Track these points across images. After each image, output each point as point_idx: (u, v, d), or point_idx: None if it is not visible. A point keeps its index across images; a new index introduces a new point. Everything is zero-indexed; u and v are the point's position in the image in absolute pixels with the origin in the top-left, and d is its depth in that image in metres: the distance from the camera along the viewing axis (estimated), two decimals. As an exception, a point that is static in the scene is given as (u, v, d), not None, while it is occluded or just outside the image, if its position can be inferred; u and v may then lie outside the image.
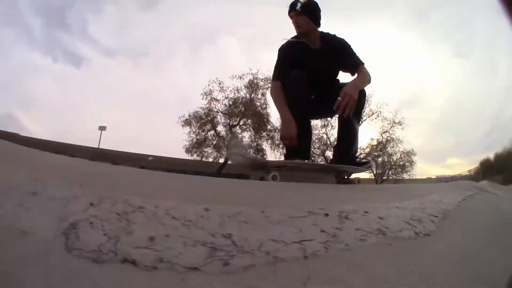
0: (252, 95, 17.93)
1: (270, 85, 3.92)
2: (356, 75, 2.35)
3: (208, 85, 17.78)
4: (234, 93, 18.02)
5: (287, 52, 2.43)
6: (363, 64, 2.44)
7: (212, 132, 17.55)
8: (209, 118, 17.46)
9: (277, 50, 2.50)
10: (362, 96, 2.27)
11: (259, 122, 17.90)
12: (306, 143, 2.47)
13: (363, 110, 3.10)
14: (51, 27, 54.43)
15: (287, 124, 2.27)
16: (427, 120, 39.74)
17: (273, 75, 2.52)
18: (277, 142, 16.83)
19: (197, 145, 17.28)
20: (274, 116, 17.06)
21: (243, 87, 18.06)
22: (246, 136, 17.56)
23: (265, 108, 18.17)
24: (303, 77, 2.29)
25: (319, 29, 2.43)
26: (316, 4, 2.45)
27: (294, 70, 2.31)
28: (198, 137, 17.32)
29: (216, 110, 17.75)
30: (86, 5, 41.20)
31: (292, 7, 2.37)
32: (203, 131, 17.55)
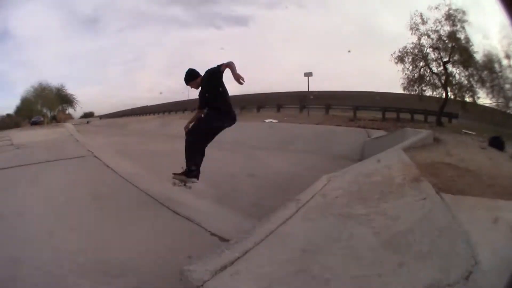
0: (453, 28, 15.34)
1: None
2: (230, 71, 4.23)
3: (412, 19, 16.79)
4: (436, 26, 16.18)
5: None
6: (219, 65, 4.48)
7: (425, 68, 16.63)
8: (421, 55, 16.53)
9: None
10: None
11: (466, 56, 15.32)
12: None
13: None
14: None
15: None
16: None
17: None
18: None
19: (412, 82, 16.89)
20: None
21: (442, 19, 15.80)
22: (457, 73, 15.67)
23: (468, 41, 15.19)
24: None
25: None
26: (192, 70, 4.93)
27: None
28: (413, 73, 16.73)
29: (426, 45, 16.35)
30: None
31: (186, 82, 4.87)
32: (416, 67, 16.71)
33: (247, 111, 23.31)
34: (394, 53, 15.70)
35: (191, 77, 5.01)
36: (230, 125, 5.12)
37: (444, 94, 15.13)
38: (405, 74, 15.82)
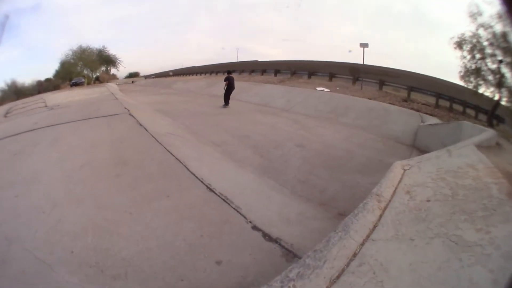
0: (505, 29, 12.75)
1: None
2: None
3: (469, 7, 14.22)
4: (491, 22, 13.52)
5: None
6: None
7: (482, 62, 14.15)
8: (479, 46, 14.07)
9: None
10: None
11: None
12: None
13: None
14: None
15: None
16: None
17: None
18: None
19: (469, 73, 14.64)
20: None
21: (496, 16, 13.16)
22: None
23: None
24: None
25: None
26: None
27: None
28: (470, 63, 14.56)
29: (483, 38, 13.90)
30: None
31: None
32: (473, 58, 14.40)
33: (297, 76, 22.30)
34: (453, 37, 14.16)
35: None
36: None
37: (497, 95, 13.45)
38: (463, 62, 14.43)
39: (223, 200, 3.38)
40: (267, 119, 9.76)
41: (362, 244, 2.27)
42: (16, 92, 33.41)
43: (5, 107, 20.57)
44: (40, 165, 4.65)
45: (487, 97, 13.40)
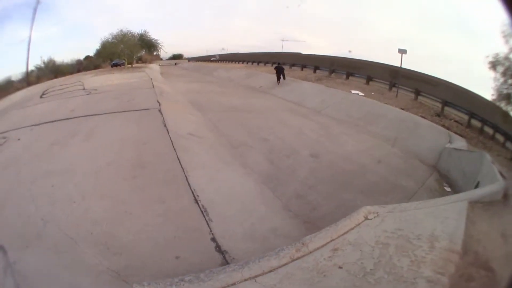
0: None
1: None
2: None
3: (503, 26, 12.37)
4: None
5: None
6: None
7: None
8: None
9: None
10: None
11: None
12: None
13: None
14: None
15: None
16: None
17: None
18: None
19: (501, 98, 12.68)
20: None
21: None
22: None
23: None
24: None
25: None
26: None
27: None
28: (502, 88, 12.60)
29: None
30: None
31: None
32: (505, 82, 12.45)
33: (336, 75, 22.10)
34: (488, 56, 12.59)
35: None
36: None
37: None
38: (496, 85, 13.10)
39: (201, 211, 4.12)
40: (294, 121, 10.10)
41: (246, 279, 2.67)
42: (54, 70, 35.00)
43: (43, 86, 21.89)
44: (75, 158, 5.65)
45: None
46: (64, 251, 3.41)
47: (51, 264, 3.26)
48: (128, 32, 35.90)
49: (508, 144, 12.20)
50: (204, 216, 4.01)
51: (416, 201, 4.37)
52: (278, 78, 17.91)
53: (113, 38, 33.66)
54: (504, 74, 12.88)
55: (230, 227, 3.88)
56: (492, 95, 12.73)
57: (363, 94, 15.29)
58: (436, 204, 4.07)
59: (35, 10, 28.72)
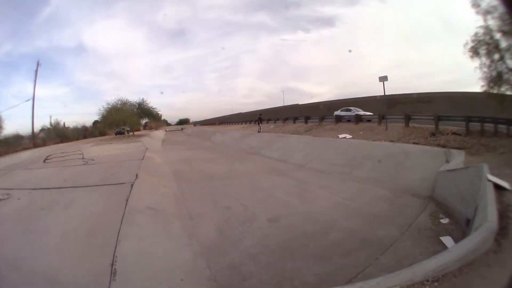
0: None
1: None
2: None
3: None
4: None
5: None
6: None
7: (501, 63, 11.52)
8: (493, 44, 11.39)
9: None
10: None
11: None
12: None
13: None
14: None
15: None
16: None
17: None
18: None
19: (492, 83, 11.76)
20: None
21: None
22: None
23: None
24: None
25: None
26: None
27: None
28: (490, 71, 11.79)
29: (494, 28, 11.30)
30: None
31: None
32: (492, 62, 11.67)
33: (326, 122, 22.19)
34: (467, 43, 12.44)
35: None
36: None
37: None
38: (483, 71, 12.49)
39: (111, 272, 4.48)
40: (270, 183, 10.23)
41: None
42: (60, 135, 37.77)
43: (47, 150, 23.59)
44: (52, 222, 6.60)
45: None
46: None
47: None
48: (127, 101, 38.72)
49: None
50: (111, 276, 4.43)
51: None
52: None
53: (112, 107, 36.29)
54: (488, 53, 12.37)
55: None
56: (482, 86, 12.30)
57: (350, 136, 15.13)
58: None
59: (36, 72, 32.23)
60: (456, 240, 4.66)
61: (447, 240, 5.01)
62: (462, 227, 5.26)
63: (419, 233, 5.48)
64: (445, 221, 5.89)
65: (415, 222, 5.98)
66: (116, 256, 4.93)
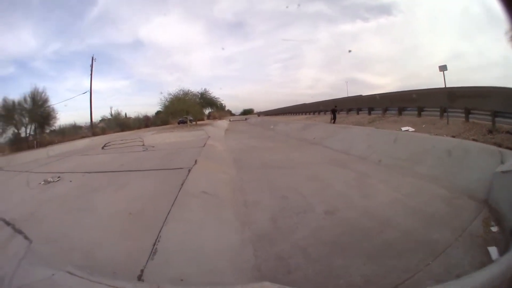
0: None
1: None
2: None
3: None
4: None
5: None
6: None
7: None
8: None
9: None
10: None
11: None
12: None
13: None
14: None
15: None
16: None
17: None
18: None
19: None
20: None
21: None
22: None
23: None
24: None
25: None
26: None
27: None
28: None
29: None
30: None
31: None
32: None
33: (389, 114, 21.13)
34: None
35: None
36: None
37: None
38: None
39: (151, 251, 4.53)
40: (329, 174, 9.81)
41: None
42: (121, 125, 40.50)
43: (106, 138, 25.18)
44: (101, 203, 6.89)
45: None
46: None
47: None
48: (188, 91, 40.24)
49: None
50: (150, 255, 4.43)
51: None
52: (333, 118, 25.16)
53: (174, 97, 38.05)
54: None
55: (165, 270, 4.18)
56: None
57: (413, 130, 14.16)
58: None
59: (91, 67, 36.82)
60: (501, 252, 4.23)
61: (493, 250, 4.46)
62: (507, 237, 4.63)
63: (471, 239, 4.89)
64: (494, 229, 5.20)
65: (470, 226, 5.34)
66: (160, 236, 4.96)
